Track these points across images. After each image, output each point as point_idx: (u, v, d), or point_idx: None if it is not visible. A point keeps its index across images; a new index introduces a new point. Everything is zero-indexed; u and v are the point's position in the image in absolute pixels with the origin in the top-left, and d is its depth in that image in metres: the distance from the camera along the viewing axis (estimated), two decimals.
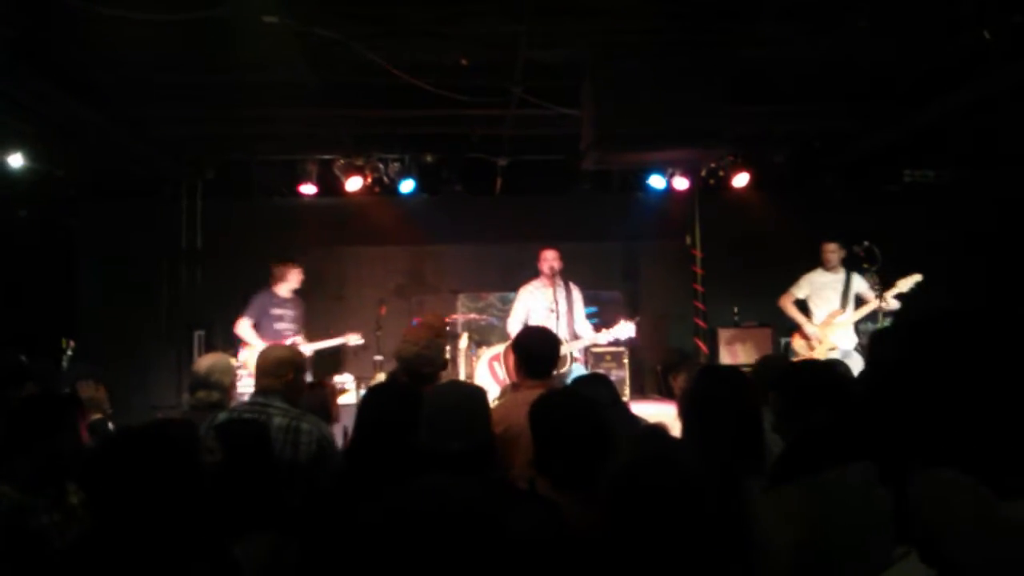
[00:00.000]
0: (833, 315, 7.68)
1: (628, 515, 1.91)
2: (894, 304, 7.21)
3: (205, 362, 4.39)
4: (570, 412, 2.80)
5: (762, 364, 4.32)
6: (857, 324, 7.69)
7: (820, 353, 7.45)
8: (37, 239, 8.84)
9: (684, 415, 2.59)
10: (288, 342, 7.46)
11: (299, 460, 3.37)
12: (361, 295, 9.83)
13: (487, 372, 7.79)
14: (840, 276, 7.80)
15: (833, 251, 7.85)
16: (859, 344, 7.66)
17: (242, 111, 7.55)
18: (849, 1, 5.62)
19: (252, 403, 3.60)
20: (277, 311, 7.94)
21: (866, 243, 7.14)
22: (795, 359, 7.28)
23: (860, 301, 7.63)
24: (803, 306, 7.92)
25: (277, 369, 3.66)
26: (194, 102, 7.30)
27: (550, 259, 7.33)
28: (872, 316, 7.53)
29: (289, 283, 8.00)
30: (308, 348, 7.83)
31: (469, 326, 8.93)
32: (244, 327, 7.79)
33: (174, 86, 6.99)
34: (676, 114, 6.11)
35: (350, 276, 10.01)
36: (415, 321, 8.09)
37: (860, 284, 7.66)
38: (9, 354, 5.07)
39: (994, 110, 7.25)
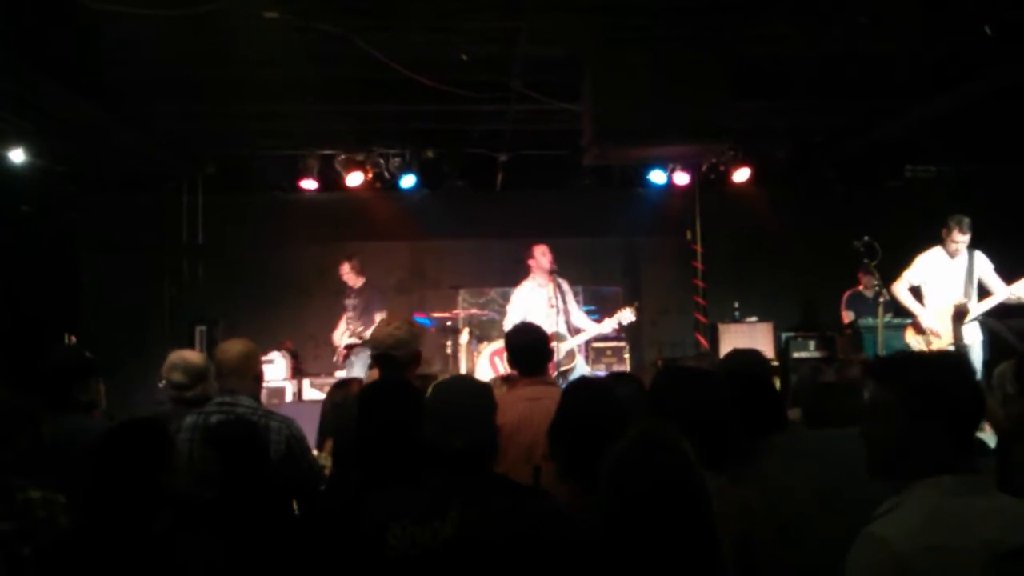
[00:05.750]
0: (955, 305, 6.64)
1: (619, 502, 1.92)
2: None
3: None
4: (584, 400, 2.80)
5: (730, 358, 4.04)
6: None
7: (939, 348, 6.56)
8: (39, 234, 8.84)
9: (645, 414, 2.59)
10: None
11: (269, 460, 3.26)
12: None
13: (488, 367, 7.81)
14: (962, 257, 6.73)
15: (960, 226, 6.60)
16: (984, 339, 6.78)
17: (243, 106, 7.55)
18: None
19: (220, 403, 3.47)
20: (346, 301, 8.47)
21: (866, 238, 6.96)
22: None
23: (983, 288, 6.67)
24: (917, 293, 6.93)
25: (242, 364, 3.53)
26: (195, 97, 7.29)
27: (548, 253, 7.17)
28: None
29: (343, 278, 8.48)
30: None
31: (470, 321, 8.95)
32: None
33: (175, 81, 6.98)
34: (676, 109, 6.10)
35: None
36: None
37: (983, 265, 6.68)
38: (75, 350, 4.97)
39: (995, 105, 7.25)
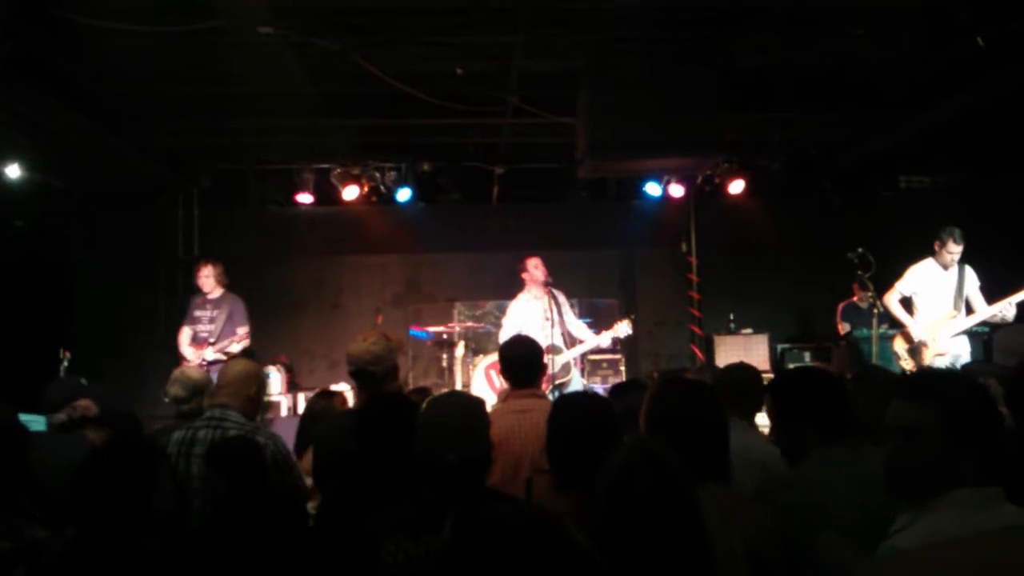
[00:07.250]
0: (944, 317, 6.70)
1: (613, 513, 1.92)
2: (1011, 312, 6.48)
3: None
4: (576, 412, 2.78)
5: (724, 373, 4.09)
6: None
7: (926, 358, 6.66)
8: (34, 249, 8.82)
9: (646, 428, 2.59)
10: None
11: (268, 477, 3.33)
12: (358, 304, 9.85)
13: (484, 380, 7.80)
14: (954, 269, 6.79)
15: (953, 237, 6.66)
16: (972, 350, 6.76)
17: (239, 121, 7.57)
18: (844, 9, 5.65)
19: (208, 417, 3.53)
20: (197, 312, 7.86)
21: (860, 249, 6.94)
22: (901, 364, 6.77)
23: (968, 304, 6.75)
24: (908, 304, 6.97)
25: (238, 382, 3.61)
26: (191, 112, 7.31)
27: (541, 266, 7.10)
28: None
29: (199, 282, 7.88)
30: None
31: (466, 334, 8.93)
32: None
33: (171, 96, 7.01)
34: (671, 122, 6.14)
35: (347, 285, 10.02)
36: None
37: (972, 281, 6.77)
38: (68, 379, 5.09)
39: (989, 116, 7.28)
